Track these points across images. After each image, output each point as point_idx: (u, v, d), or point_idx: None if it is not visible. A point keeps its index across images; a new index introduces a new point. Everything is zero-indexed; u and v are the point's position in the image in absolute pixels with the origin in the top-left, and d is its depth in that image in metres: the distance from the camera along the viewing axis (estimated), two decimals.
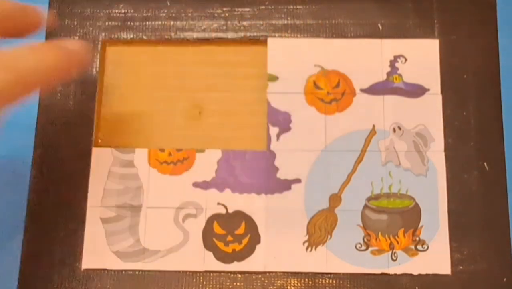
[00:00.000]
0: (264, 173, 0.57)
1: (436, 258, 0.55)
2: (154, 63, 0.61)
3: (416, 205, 0.56)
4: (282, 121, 0.58)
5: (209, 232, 0.56)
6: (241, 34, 0.61)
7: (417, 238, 0.56)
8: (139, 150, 0.58)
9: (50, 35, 0.61)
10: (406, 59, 0.59)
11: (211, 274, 0.55)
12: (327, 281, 0.55)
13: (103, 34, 0.61)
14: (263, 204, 0.57)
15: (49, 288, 0.55)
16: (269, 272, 0.55)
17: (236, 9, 0.61)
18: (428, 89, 0.59)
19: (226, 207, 0.57)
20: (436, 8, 0.60)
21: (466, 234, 0.56)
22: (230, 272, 0.55)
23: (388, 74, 0.59)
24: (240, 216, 0.57)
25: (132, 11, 0.61)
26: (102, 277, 0.56)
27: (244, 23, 0.61)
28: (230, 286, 0.55)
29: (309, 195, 0.57)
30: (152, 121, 0.60)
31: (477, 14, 0.60)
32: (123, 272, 0.56)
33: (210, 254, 0.56)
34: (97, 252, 0.56)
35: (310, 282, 0.55)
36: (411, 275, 0.55)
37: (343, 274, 0.55)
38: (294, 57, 0.60)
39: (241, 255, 0.56)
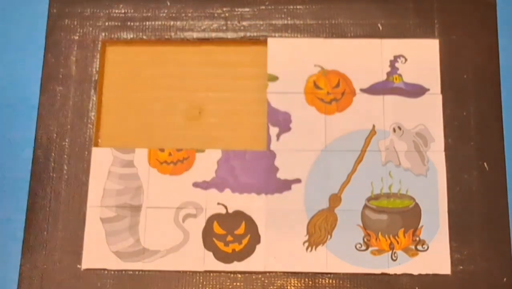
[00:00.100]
0: (264, 173, 0.57)
1: (436, 258, 0.55)
2: (154, 63, 0.61)
3: (416, 205, 0.56)
4: (282, 121, 0.58)
5: (209, 232, 0.56)
6: (241, 34, 0.61)
7: (417, 238, 0.56)
8: (139, 150, 0.58)
9: (50, 35, 0.61)
10: (406, 59, 0.59)
11: (211, 274, 0.55)
12: (327, 281, 0.55)
13: (103, 34, 0.61)
14: (263, 204, 0.57)
15: (49, 288, 0.55)
16: (269, 272, 0.55)
17: (236, 9, 0.61)
18: (428, 89, 0.59)
19: (226, 207, 0.57)
20: (436, 8, 0.60)
21: (466, 234, 0.56)
22: (230, 272, 0.55)
23: (388, 74, 0.59)
24: (240, 216, 0.57)
25: (132, 11, 0.61)
26: (102, 277, 0.56)
27: (244, 23, 0.61)
28: (230, 286, 0.55)
29: (309, 195, 0.57)
30: (152, 121, 0.60)
31: (477, 14, 0.60)
32: (123, 272, 0.56)
33: (210, 254, 0.56)
34: (97, 252, 0.56)
35: (310, 282, 0.55)
36: (411, 275, 0.55)
37: (343, 274, 0.55)
38: (294, 57, 0.60)
39: (241, 255, 0.56)
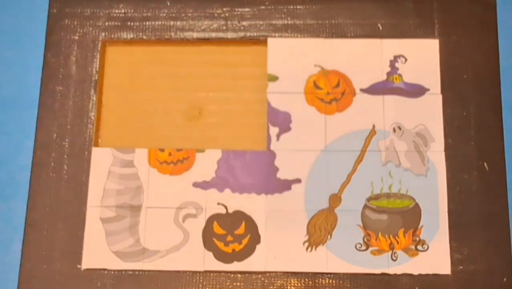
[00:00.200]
0: (264, 173, 0.57)
1: (436, 258, 0.55)
2: (154, 63, 0.61)
3: (416, 205, 0.56)
4: (282, 121, 0.58)
5: (209, 232, 0.56)
6: (241, 34, 0.61)
7: (417, 238, 0.56)
8: (139, 150, 0.58)
9: (50, 35, 0.61)
10: (406, 59, 0.59)
11: (211, 274, 0.55)
12: (327, 281, 0.55)
13: (103, 34, 0.61)
14: (263, 204, 0.57)
15: (49, 288, 0.55)
16: (269, 272, 0.55)
17: (236, 9, 0.61)
18: (428, 89, 0.59)
19: (226, 207, 0.57)
20: (436, 8, 0.60)
21: (466, 234, 0.56)
22: (230, 272, 0.55)
23: (388, 74, 0.59)
24: (240, 216, 0.57)
25: (132, 11, 0.61)
26: (102, 277, 0.56)
27: (244, 23, 0.61)
28: (230, 286, 0.55)
29: (309, 195, 0.57)
30: (152, 121, 0.60)
31: (477, 14, 0.60)
32: (123, 272, 0.56)
33: (210, 254, 0.56)
34: (97, 252, 0.56)
35: (310, 282, 0.55)
36: (411, 275, 0.55)
37: (343, 274, 0.55)
38: (294, 57, 0.60)
39: (241, 255, 0.56)
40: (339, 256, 0.55)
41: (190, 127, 0.60)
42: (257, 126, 0.59)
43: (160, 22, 0.61)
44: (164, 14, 0.61)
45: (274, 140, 0.58)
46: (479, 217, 0.56)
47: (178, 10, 0.61)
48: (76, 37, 0.61)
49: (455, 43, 0.59)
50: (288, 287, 0.55)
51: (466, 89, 0.58)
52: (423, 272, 0.55)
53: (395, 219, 0.56)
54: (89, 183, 0.57)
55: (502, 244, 0.55)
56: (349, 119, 0.58)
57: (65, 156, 0.58)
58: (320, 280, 0.55)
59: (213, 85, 0.60)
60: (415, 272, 0.55)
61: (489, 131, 0.57)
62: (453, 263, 0.55)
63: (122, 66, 0.61)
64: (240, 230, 0.56)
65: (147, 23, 0.61)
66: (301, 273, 0.55)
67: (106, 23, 0.61)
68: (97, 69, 0.60)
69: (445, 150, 0.57)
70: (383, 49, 0.59)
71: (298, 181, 0.57)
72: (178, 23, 0.61)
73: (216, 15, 0.61)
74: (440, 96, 0.58)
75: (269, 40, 0.60)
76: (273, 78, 0.59)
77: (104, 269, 0.56)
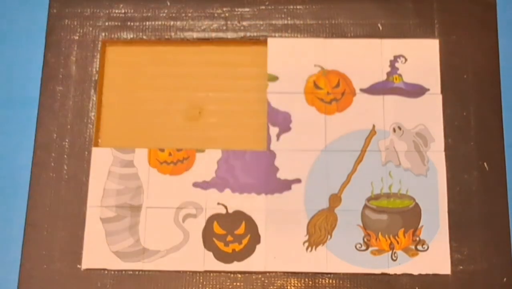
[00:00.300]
0: (264, 173, 0.57)
1: (436, 258, 0.55)
2: (154, 63, 0.61)
3: (416, 205, 0.56)
4: (282, 121, 0.58)
5: (209, 232, 0.56)
6: (241, 34, 0.61)
7: (417, 238, 0.56)
8: (139, 150, 0.58)
9: (50, 35, 0.61)
10: (406, 59, 0.59)
11: (211, 274, 0.55)
12: (327, 281, 0.55)
13: (103, 34, 0.61)
14: (263, 204, 0.57)
15: (49, 288, 0.55)
16: (269, 272, 0.55)
17: (236, 9, 0.61)
18: (428, 89, 0.59)
19: (226, 207, 0.57)
20: (436, 8, 0.60)
21: (466, 234, 0.56)
22: (230, 272, 0.55)
23: (388, 74, 0.59)
24: (240, 216, 0.57)
25: (132, 11, 0.61)
26: (102, 277, 0.56)
27: (244, 23, 0.61)
28: (230, 286, 0.55)
29: (309, 195, 0.57)
30: (152, 121, 0.60)
31: (477, 14, 0.60)
32: (123, 272, 0.56)
33: (210, 254, 0.56)
34: (97, 252, 0.56)
35: (310, 282, 0.55)
36: (411, 275, 0.55)
37: (343, 274, 0.55)
38: (294, 57, 0.60)
39: (241, 255, 0.56)
40: (339, 256, 0.55)
41: (190, 127, 0.60)
42: (257, 126, 0.59)
43: (160, 22, 0.61)
44: (164, 14, 0.61)
45: (274, 140, 0.58)
46: (479, 217, 0.56)
47: (178, 10, 0.61)
48: (76, 37, 0.61)
49: (455, 43, 0.59)
50: (288, 287, 0.55)
51: (466, 89, 0.58)
52: (423, 272, 0.55)
53: (395, 219, 0.56)
54: (89, 183, 0.57)
55: (502, 244, 0.55)
56: (349, 119, 0.58)
57: (65, 156, 0.58)
58: (320, 280, 0.55)
59: (213, 85, 0.60)
60: (415, 272, 0.55)
61: (489, 131, 0.57)
62: (453, 263, 0.55)
63: (122, 66, 0.61)
64: (240, 230, 0.56)
65: (147, 23, 0.61)
66: (301, 273, 0.55)
67: (106, 23, 0.61)
68: (97, 69, 0.60)
69: (445, 150, 0.57)
70: (383, 49, 0.59)
71: (298, 181, 0.57)
72: (178, 23, 0.61)
73: (216, 15, 0.61)
74: (440, 96, 0.58)
75: (269, 40, 0.60)
76: (273, 78, 0.59)
77: (104, 269, 0.56)
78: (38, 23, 0.61)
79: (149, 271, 0.56)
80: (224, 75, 0.60)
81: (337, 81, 0.59)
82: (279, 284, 0.55)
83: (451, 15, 0.60)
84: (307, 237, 0.56)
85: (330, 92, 0.59)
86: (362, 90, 0.59)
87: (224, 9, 0.61)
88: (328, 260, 0.55)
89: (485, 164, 0.57)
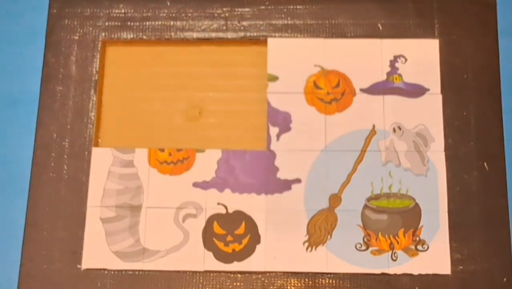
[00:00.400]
0: (264, 173, 0.57)
1: (436, 258, 0.55)
2: (154, 63, 0.61)
3: (416, 205, 0.56)
4: (282, 121, 0.58)
5: (209, 232, 0.56)
6: (241, 34, 0.61)
7: (417, 238, 0.56)
8: (139, 150, 0.58)
9: (50, 35, 0.61)
10: (406, 59, 0.59)
11: (211, 274, 0.55)
12: (327, 281, 0.55)
13: (103, 34, 0.61)
14: (263, 204, 0.57)
15: (49, 288, 0.55)
16: (269, 272, 0.55)
17: (236, 9, 0.61)
18: (428, 89, 0.59)
19: (226, 207, 0.57)
20: (436, 8, 0.60)
21: (466, 234, 0.56)
22: (230, 272, 0.55)
23: (388, 74, 0.59)
24: (240, 216, 0.57)
25: (132, 11, 0.61)
26: (102, 277, 0.56)
27: (244, 23, 0.61)
28: (230, 286, 0.55)
29: (309, 195, 0.57)
30: (152, 121, 0.60)
31: (477, 14, 0.60)
32: (123, 272, 0.56)
33: (210, 254, 0.56)
34: (97, 252, 0.56)
35: (310, 282, 0.55)
36: (411, 275, 0.55)
37: (343, 274, 0.55)
38: (294, 57, 0.60)
39: (241, 255, 0.56)
40: (339, 256, 0.55)
41: (190, 127, 0.60)
42: (257, 126, 0.59)
43: (160, 22, 0.61)
44: (164, 14, 0.61)
45: (274, 141, 0.58)
46: (479, 217, 0.56)
47: (178, 10, 0.61)
48: (76, 37, 0.61)
49: (455, 43, 0.59)
50: (288, 287, 0.55)
51: (466, 89, 0.58)
52: (423, 272, 0.55)
53: (395, 219, 0.56)
54: (89, 183, 0.57)
55: (502, 244, 0.55)
56: (349, 119, 0.58)
57: (65, 156, 0.58)
58: (320, 280, 0.55)
59: (213, 85, 0.60)
60: (415, 272, 0.55)
61: (489, 131, 0.57)
62: (453, 263, 0.55)
63: (122, 66, 0.61)
64: (240, 230, 0.56)
65: (147, 23, 0.61)
66: (301, 273, 0.55)
67: (106, 23, 0.61)
68: (97, 69, 0.60)
69: (445, 150, 0.57)
70: (383, 49, 0.59)
71: (298, 181, 0.57)
72: (178, 23, 0.61)
73: (216, 15, 0.61)
74: (440, 96, 0.58)
75: (269, 40, 0.60)
76: (273, 78, 0.59)
77: (104, 269, 0.56)
78: (38, 23, 0.61)
79: (149, 271, 0.56)
80: (224, 75, 0.60)
81: (337, 81, 0.59)
82: (279, 284, 0.55)
83: (451, 15, 0.60)
84: (307, 237, 0.56)
85: (330, 92, 0.59)
86: (362, 90, 0.59)
87: (224, 9, 0.61)
88: (328, 260, 0.55)
89: (485, 164, 0.57)
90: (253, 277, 0.55)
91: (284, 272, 0.55)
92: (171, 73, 0.61)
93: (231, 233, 0.56)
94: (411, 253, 0.55)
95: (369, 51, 0.59)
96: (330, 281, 0.55)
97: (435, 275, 0.55)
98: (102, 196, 0.57)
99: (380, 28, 0.60)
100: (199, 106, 0.60)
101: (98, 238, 0.56)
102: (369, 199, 0.56)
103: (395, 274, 0.55)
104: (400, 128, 0.58)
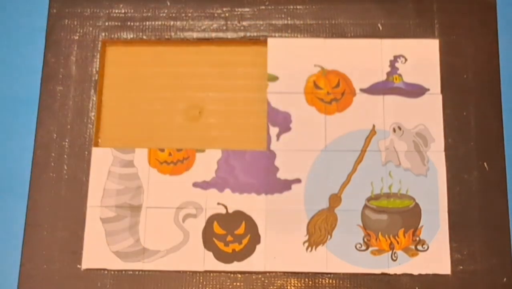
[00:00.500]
0: (264, 173, 0.57)
1: (436, 258, 0.55)
2: (154, 63, 0.61)
3: (416, 205, 0.56)
4: (282, 121, 0.58)
5: (209, 232, 0.56)
6: (241, 34, 0.61)
7: (417, 238, 0.56)
8: (139, 150, 0.58)
9: (50, 35, 0.61)
10: (406, 59, 0.59)
11: (211, 274, 0.55)
12: (327, 281, 0.55)
13: (103, 34, 0.61)
14: (263, 204, 0.57)
15: (49, 288, 0.55)
16: (269, 272, 0.55)
17: (236, 9, 0.61)
18: (428, 89, 0.59)
19: (226, 207, 0.57)
20: (436, 8, 0.60)
21: (466, 234, 0.56)
22: (230, 272, 0.55)
23: (388, 74, 0.59)
24: (240, 216, 0.57)
25: (132, 11, 0.61)
26: (102, 277, 0.56)
27: (244, 23, 0.61)
28: (230, 286, 0.55)
29: (309, 195, 0.57)
30: (152, 121, 0.60)
31: (477, 14, 0.60)
32: (123, 272, 0.56)
33: (210, 254, 0.56)
34: (97, 252, 0.56)
35: (310, 282, 0.55)
36: (411, 275, 0.55)
37: (343, 274, 0.55)
38: (294, 57, 0.60)
39: (241, 255, 0.56)
40: (339, 256, 0.55)
41: (190, 127, 0.60)
42: (257, 126, 0.59)
43: (160, 22, 0.61)
44: (164, 14, 0.61)
45: (274, 140, 0.58)
46: (479, 217, 0.56)
47: (178, 10, 0.61)
48: (76, 37, 0.61)
49: (455, 43, 0.59)
50: (288, 287, 0.55)
51: (466, 89, 0.58)
52: (423, 272, 0.55)
53: (395, 219, 0.56)
54: (89, 183, 0.57)
55: (502, 244, 0.55)
56: (349, 119, 0.58)
57: (65, 156, 0.58)
58: (320, 280, 0.55)
59: (213, 85, 0.60)
60: (415, 272, 0.55)
61: (489, 131, 0.57)
62: (453, 263, 0.55)
63: (122, 66, 0.61)
64: (240, 230, 0.56)
65: (147, 23, 0.61)
66: (301, 273, 0.55)
67: (106, 23, 0.61)
68: (97, 69, 0.60)
69: (445, 150, 0.57)
70: (383, 49, 0.59)
71: (298, 181, 0.57)
72: (178, 23, 0.61)
73: (216, 15, 0.61)
74: (440, 96, 0.58)
75: (269, 40, 0.60)
76: (273, 78, 0.59)
77: (104, 269, 0.56)
78: (38, 23, 0.61)
79: (149, 271, 0.56)
80: (224, 75, 0.60)
81: (337, 81, 0.59)
82: (279, 284, 0.55)
83: (451, 15, 0.60)
84: (307, 237, 0.56)
85: (330, 92, 0.59)
86: (362, 90, 0.59)
87: (224, 9, 0.61)
88: (328, 260, 0.55)
89: (485, 164, 0.57)
90: (253, 277, 0.55)
91: (284, 272, 0.55)
92: (171, 73, 0.61)
93: (231, 233, 0.56)
94: (411, 253, 0.55)
95: (369, 51, 0.59)
96: (330, 281, 0.55)
97: (435, 275, 0.55)
98: (102, 196, 0.57)
99: (380, 28, 0.60)
100: (199, 106, 0.60)
101: (98, 238, 0.56)
102: (369, 199, 0.57)
103: (395, 274, 0.55)
104: (400, 128, 0.58)
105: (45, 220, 0.57)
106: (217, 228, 0.56)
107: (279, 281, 0.55)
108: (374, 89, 0.59)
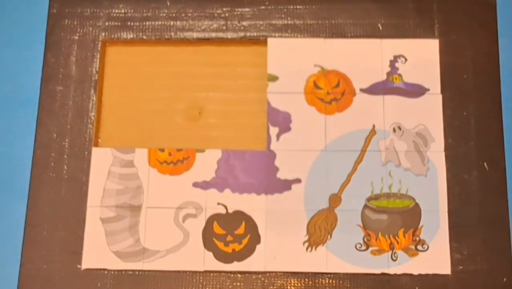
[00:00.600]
0: (264, 173, 0.57)
1: (436, 258, 0.55)
2: (154, 63, 0.61)
3: (416, 205, 0.56)
4: (282, 121, 0.58)
5: (209, 232, 0.56)
6: (241, 34, 0.61)
7: (417, 238, 0.56)
8: (139, 150, 0.58)
9: (50, 35, 0.61)
10: (406, 59, 0.59)
11: (211, 274, 0.55)
12: (327, 281, 0.55)
13: (103, 34, 0.61)
14: (263, 204, 0.57)
15: (49, 288, 0.55)
16: (269, 272, 0.55)
17: (236, 9, 0.61)
18: (428, 89, 0.59)
19: (226, 207, 0.57)
20: (436, 8, 0.60)
21: (466, 234, 0.56)
22: (230, 272, 0.55)
23: (388, 74, 0.59)
24: (240, 216, 0.57)
25: (132, 11, 0.61)
26: (102, 277, 0.56)
27: (244, 23, 0.61)
28: (230, 286, 0.55)
29: (309, 195, 0.57)
30: (152, 121, 0.60)
31: (477, 14, 0.60)
32: (123, 272, 0.56)
33: (210, 254, 0.56)
34: (97, 252, 0.56)
35: (310, 282, 0.55)
36: (411, 275, 0.55)
37: (343, 274, 0.55)
38: (294, 57, 0.60)
39: (241, 255, 0.56)
40: (339, 256, 0.55)
41: (190, 127, 0.60)
42: (257, 126, 0.59)
43: (160, 22, 0.61)
44: (164, 14, 0.61)
45: (274, 141, 0.58)
46: (479, 217, 0.56)
47: (178, 10, 0.61)
48: (76, 37, 0.61)
49: (455, 43, 0.59)
50: (288, 287, 0.55)
51: (466, 89, 0.58)
52: (423, 272, 0.55)
53: (395, 219, 0.56)
54: (89, 183, 0.57)
55: (502, 244, 0.55)
56: (349, 119, 0.58)
57: (65, 156, 0.58)
58: (320, 280, 0.55)
59: (213, 85, 0.60)
60: (415, 272, 0.55)
61: (489, 131, 0.57)
62: (453, 263, 0.55)
63: (122, 66, 0.61)
64: (240, 230, 0.56)
65: (147, 23, 0.61)
66: (301, 273, 0.55)
67: (106, 23, 0.61)
68: (97, 69, 0.60)
69: (445, 150, 0.57)
70: (383, 49, 0.59)
71: (298, 181, 0.57)
72: (178, 23, 0.61)
73: (216, 15, 0.61)
74: (440, 96, 0.58)
75: (269, 40, 0.60)
76: (273, 78, 0.59)
77: (104, 269, 0.56)
78: (38, 23, 0.61)
79: (149, 271, 0.56)
80: (224, 75, 0.60)
81: (337, 81, 0.59)
82: (279, 284, 0.55)
83: (451, 15, 0.60)
84: (307, 237, 0.56)
85: (330, 92, 0.59)
86: (362, 90, 0.59)
87: (224, 9, 0.61)
88: (328, 260, 0.55)
89: (485, 164, 0.57)
90: (253, 277, 0.55)
91: (284, 272, 0.55)
92: (171, 73, 0.61)
93: (231, 233, 0.56)
94: (411, 253, 0.55)
95: (369, 51, 0.59)
96: (330, 281, 0.55)
97: (435, 275, 0.55)
98: (102, 196, 0.57)
99: (380, 28, 0.60)
100: (199, 106, 0.60)
101: (98, 238, 0.56)
102: (369, 199, 0.57)
103: (395, 274, 0.55)
104: (400, 128, 0.58)
105: (45, 220, 0.57)
106: (217, 228, 0.56)
107: (279, 281, 0.55)
108: (374, 89, 0.59)
